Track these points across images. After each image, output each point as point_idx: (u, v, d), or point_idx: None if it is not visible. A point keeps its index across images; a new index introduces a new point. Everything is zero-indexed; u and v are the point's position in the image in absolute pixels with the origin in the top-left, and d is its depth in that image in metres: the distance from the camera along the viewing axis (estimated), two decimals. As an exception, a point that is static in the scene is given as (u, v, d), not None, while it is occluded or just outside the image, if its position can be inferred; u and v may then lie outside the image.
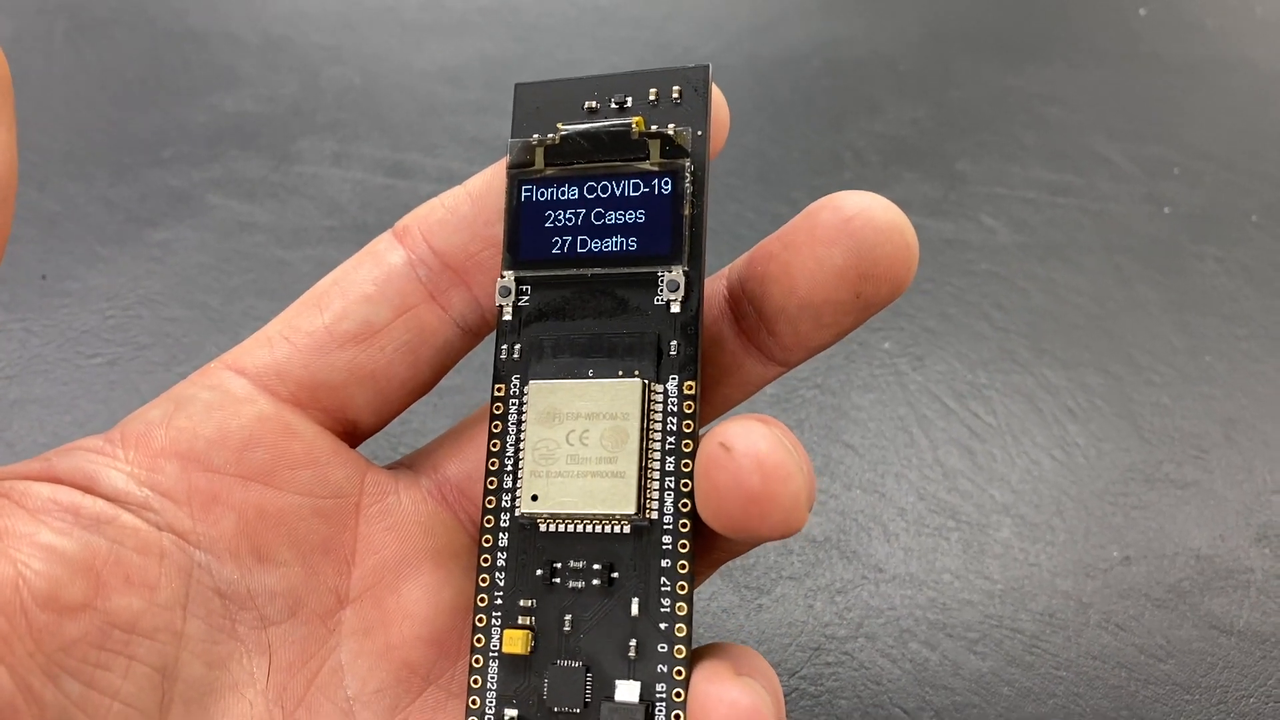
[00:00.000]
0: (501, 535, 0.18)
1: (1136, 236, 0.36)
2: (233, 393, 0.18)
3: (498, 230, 0.19)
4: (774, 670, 0.17)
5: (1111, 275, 0.34)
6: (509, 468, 0.18)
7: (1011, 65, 0.42)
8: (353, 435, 0.20)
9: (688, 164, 0.18)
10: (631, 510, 0.17)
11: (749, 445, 0.16)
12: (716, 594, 0.26)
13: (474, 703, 0.17)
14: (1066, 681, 0.24)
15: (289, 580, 0.18)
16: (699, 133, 0.19)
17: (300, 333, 0.19)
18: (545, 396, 0.18)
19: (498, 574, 0.18)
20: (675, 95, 0.19)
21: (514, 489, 0.18)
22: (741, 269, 0.19)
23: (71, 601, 0.15)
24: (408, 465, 0.20)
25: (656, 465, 0.18)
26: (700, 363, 0.18)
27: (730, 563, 0.26)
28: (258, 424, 0.18)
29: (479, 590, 0.18)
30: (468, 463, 0.20)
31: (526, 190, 0.19)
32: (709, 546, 0.19)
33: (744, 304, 0.19)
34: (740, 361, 0.19)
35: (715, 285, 0.19)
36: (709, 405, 0.20)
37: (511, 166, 0.20)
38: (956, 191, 0.37)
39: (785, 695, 0.24)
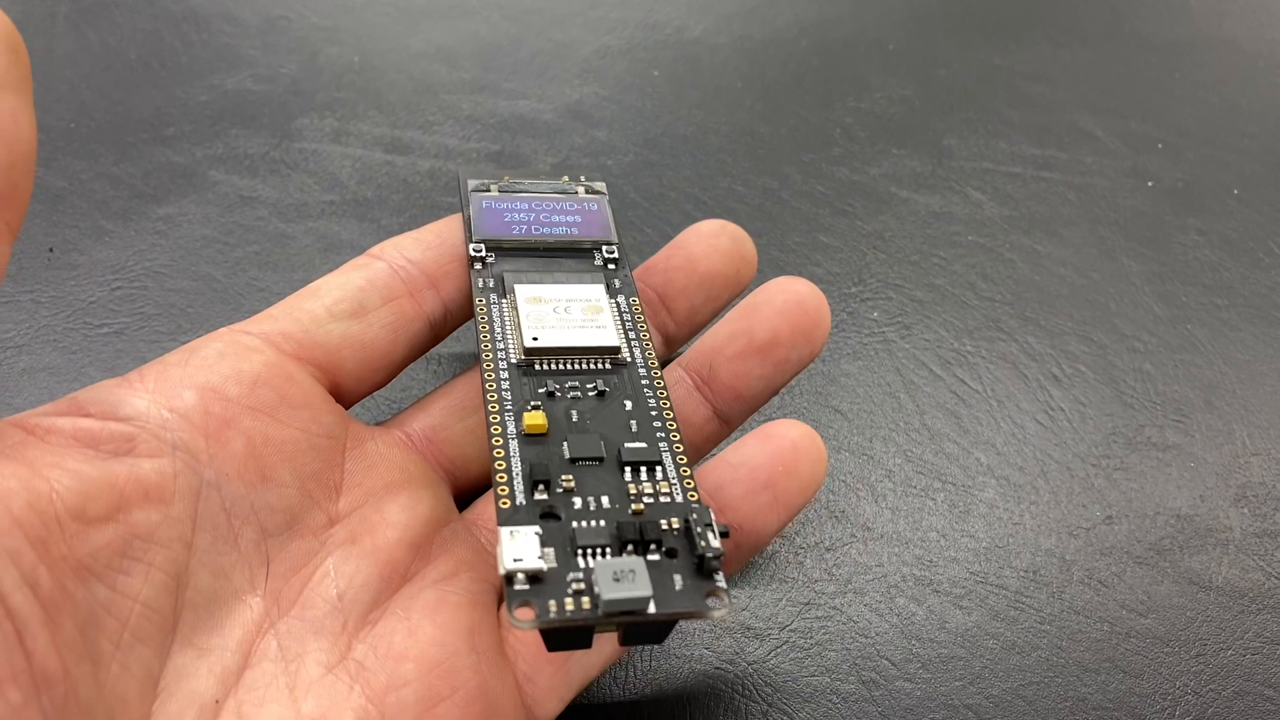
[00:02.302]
0: (502, 374, 0.21)
1: (1120, 210, 0.36)
2: (243, 344, 0.21)
3: (463, 252, 0.24)
4: None
5: (1095, 247, 0.35)
6: (499, 339, 0.22)
7: (996, 44, 0.43)
8: (337, 397, 0.22)
9: (606, 197, 0.26)
10: (616, 342, 0.21)
11: (808, 283, 0.23)
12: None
13: (499, 465, 0.19)
14: (1049, 635, 0.25)
15: (287, 499, 0.20)
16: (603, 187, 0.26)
17: (302, 310, 0.22)
18: (529, 290, 0.22)
19: (504, 393, 0.20)
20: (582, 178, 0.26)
21: (508, 349, 0.21)
22: (641, 275, 0.25)
23: (97, 515, 0.16)
24: (378, 426, 0.23)
25: (623, 340, 0.22)
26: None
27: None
28: (264, 368, 0.20)
29: (488, 403, 0.20)
30: (431, 418, 0.23)
31: (488, 202, 0.25)
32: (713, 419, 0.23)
33: (648, 292, 0.25)
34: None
35: None
36: None
37: (473, 191, 0.25)
38: (944, 166, 0.37)
39: (776, 647, 0.24)
